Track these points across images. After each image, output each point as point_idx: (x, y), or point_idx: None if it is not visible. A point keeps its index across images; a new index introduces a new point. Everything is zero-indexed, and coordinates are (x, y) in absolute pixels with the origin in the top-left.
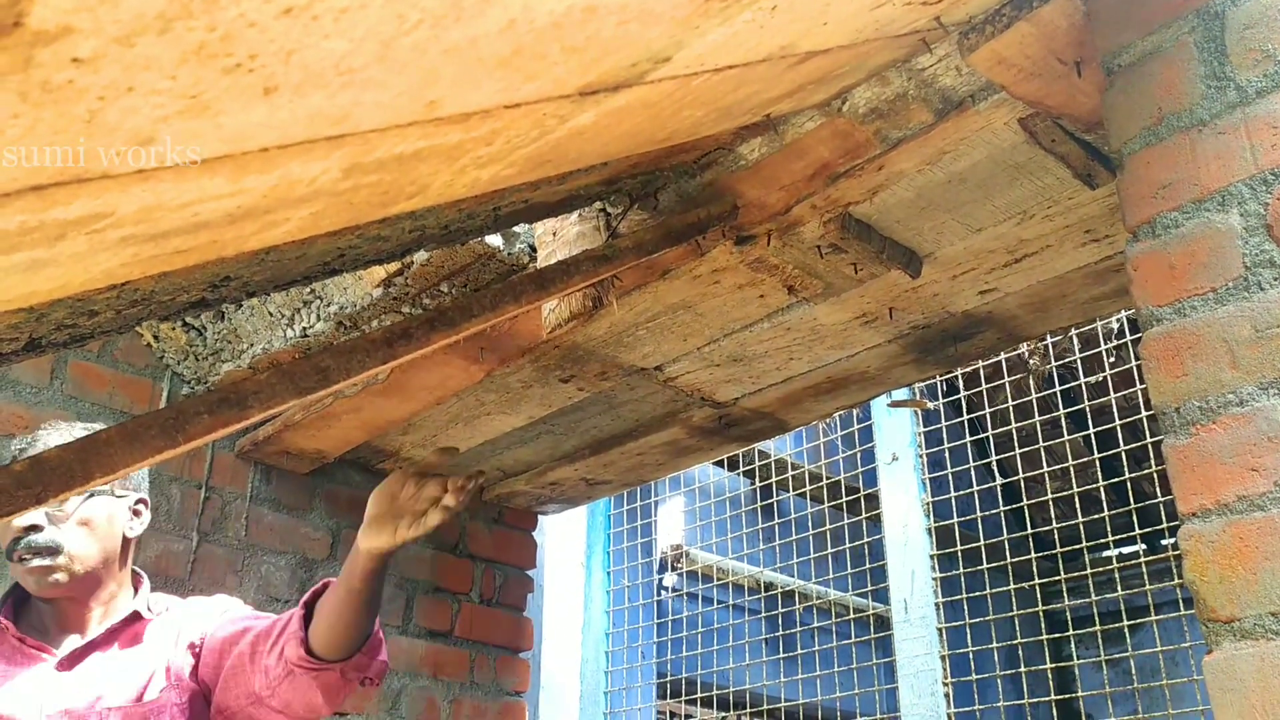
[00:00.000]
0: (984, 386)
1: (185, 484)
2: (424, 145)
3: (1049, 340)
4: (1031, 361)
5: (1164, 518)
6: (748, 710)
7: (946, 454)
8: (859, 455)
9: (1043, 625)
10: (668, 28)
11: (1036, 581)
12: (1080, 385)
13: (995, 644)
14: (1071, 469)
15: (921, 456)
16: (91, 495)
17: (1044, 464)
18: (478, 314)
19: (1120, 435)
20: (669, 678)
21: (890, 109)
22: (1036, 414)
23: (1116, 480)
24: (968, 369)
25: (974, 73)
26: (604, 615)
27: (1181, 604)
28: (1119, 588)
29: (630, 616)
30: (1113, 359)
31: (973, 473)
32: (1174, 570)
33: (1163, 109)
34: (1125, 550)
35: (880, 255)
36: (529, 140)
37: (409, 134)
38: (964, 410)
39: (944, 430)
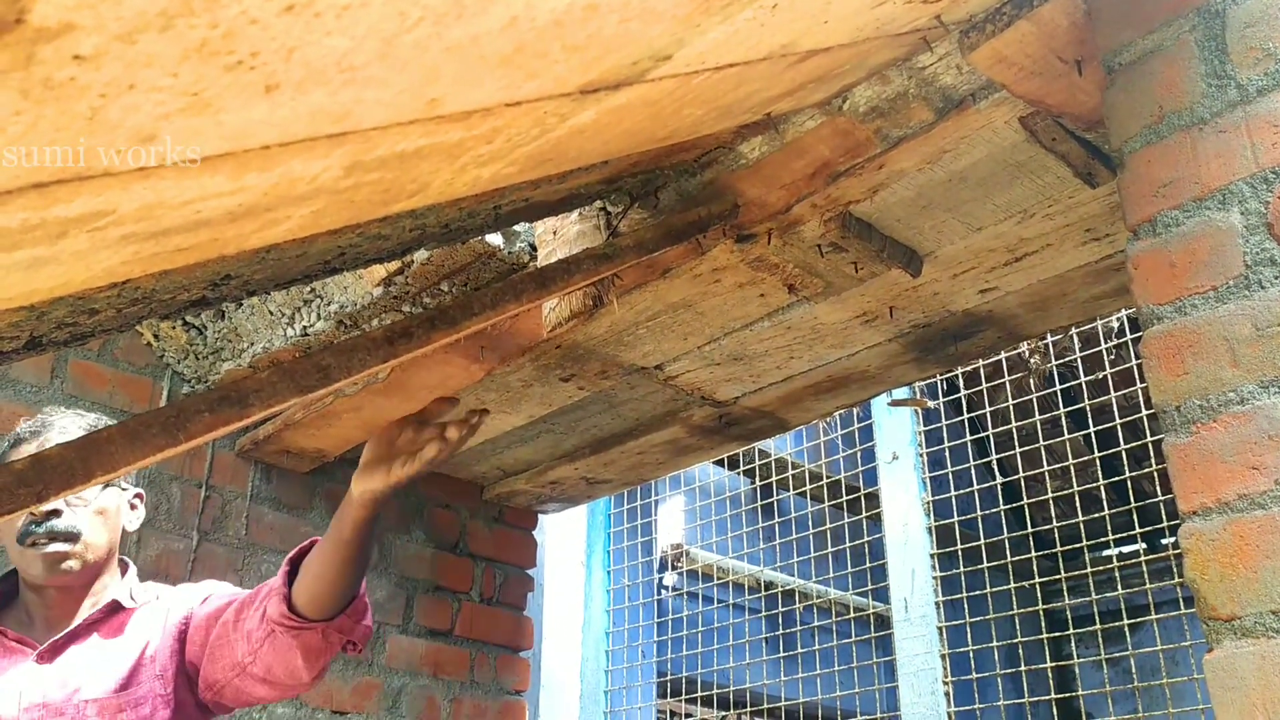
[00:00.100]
0: (984, 385)
1: (185, 483)
2: (425, 143)
3: (1049, 339)
4: (1032, 360)
5: (1164, 516)
6: (748, 709)
7: (947, 453)
8: (859, 454)
9: (1043, 624)
10: (669, 26)
11: (1037, 580)
12: (1080, 384)
13: (995, 643)
14: (1072, 468)
15: (922, 455)
16: (107, 486)
17: (1044, 463)
18: (478, 313)
19: (1120, 434)
20: (669, 677)
21: (891, 108)
22: (1037, 413)
23: (1117, 479)
24: (968, 368)
25: (974, 71)
26: (604, 614)
27: (1182, 603)
28: (1119, 586)
29: (630, 615)
30: (1113, 358)
31: (973, 471)
32: (1174, 569)
33: (1163, 107)
34: (1125, 549)
35: (881, 254)
36: (530, 138)
37: (410, 132)
38: (964, 409)
39: (944, 429)
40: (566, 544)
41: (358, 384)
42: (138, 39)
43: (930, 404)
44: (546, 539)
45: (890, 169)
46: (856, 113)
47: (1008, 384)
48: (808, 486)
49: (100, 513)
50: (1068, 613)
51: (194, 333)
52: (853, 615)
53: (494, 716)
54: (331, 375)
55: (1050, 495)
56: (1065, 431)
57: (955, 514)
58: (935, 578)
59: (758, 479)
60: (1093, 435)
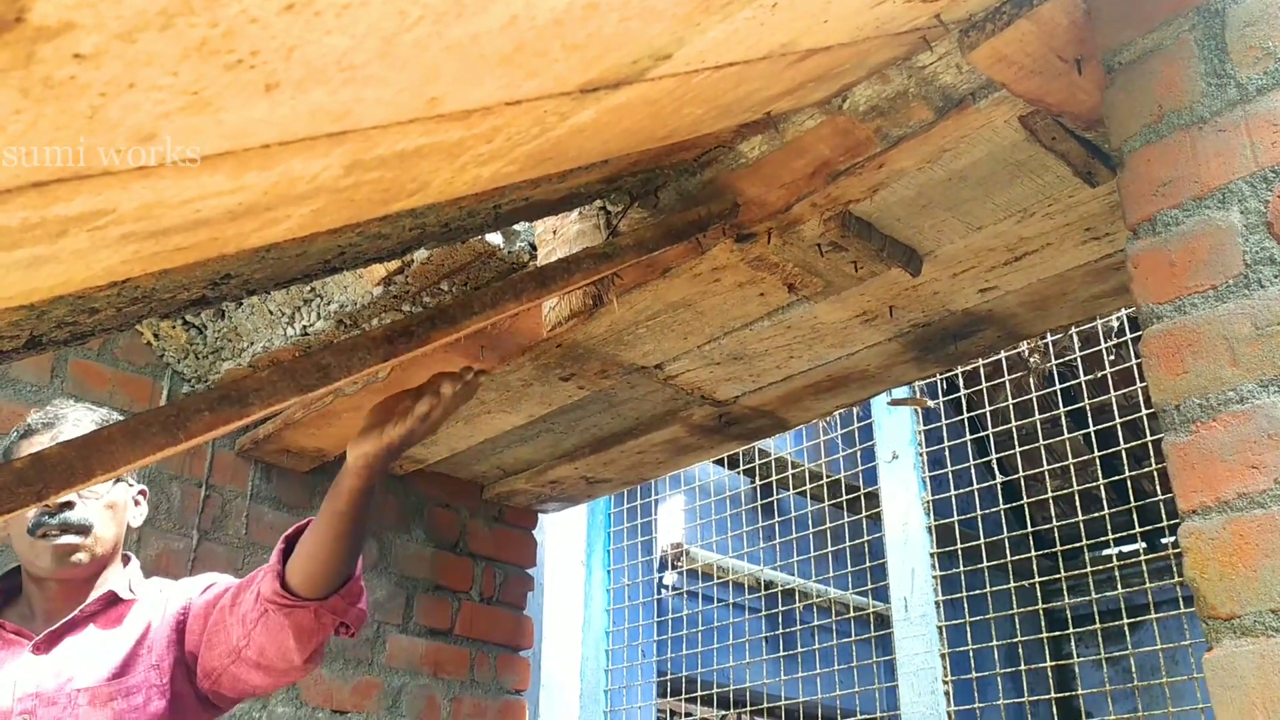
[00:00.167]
0: (984, 385)
1: (185, 482)
2: (425, 142)
3: (1049, 338)
4: (1031, 360)
5: (1164, 515)
6: (748, 708)
7: (946, 452)
8: (859, 453)
9: (1043, 623)
10: (669, 25)
11: (1036, 579)
12: (1080, 383)
13: (995, 642)
14: (1071, 467)
15: (921, 455)
16: (118, 481)
17: (1044, 462)
18: (478, 312)
19: (1120, 433)
20: (669, 676)
21: (891, 107)
22: (1036, 412)
23: (1116, 478)
24: (968, 367)
25: (974, 70)
26: (604, 613)
27: (1181, 602)
28: (1119, 586)
29: (630, 615)
30: (1113, 357)
31: (973, 471)
32: (1174, 568)
33: (1163, 106)
34: (1125, 548)
35: (880, 253)
36: (530, 138)
37: (410, 131)
38: (964, 408)
39: (944, 428)
40: (566, 543)
41: (358, 383)
42: (138, 38)
43: (930, 403)
44: (546, 538)
45: (890, 168)
46: (856, 112)
47: (1007, 383)
48: (807, 486)
49: (110, 507)
50: (1067, 612)
51: (194, 332)
52: (852, 614)
53: (494, 716)
54: (331, 374)
55: (1050, 494)
56: (1065, 431)
57: (955, 513)
58: (935, 577)
59: (757, 478)
60: (1092, 434)
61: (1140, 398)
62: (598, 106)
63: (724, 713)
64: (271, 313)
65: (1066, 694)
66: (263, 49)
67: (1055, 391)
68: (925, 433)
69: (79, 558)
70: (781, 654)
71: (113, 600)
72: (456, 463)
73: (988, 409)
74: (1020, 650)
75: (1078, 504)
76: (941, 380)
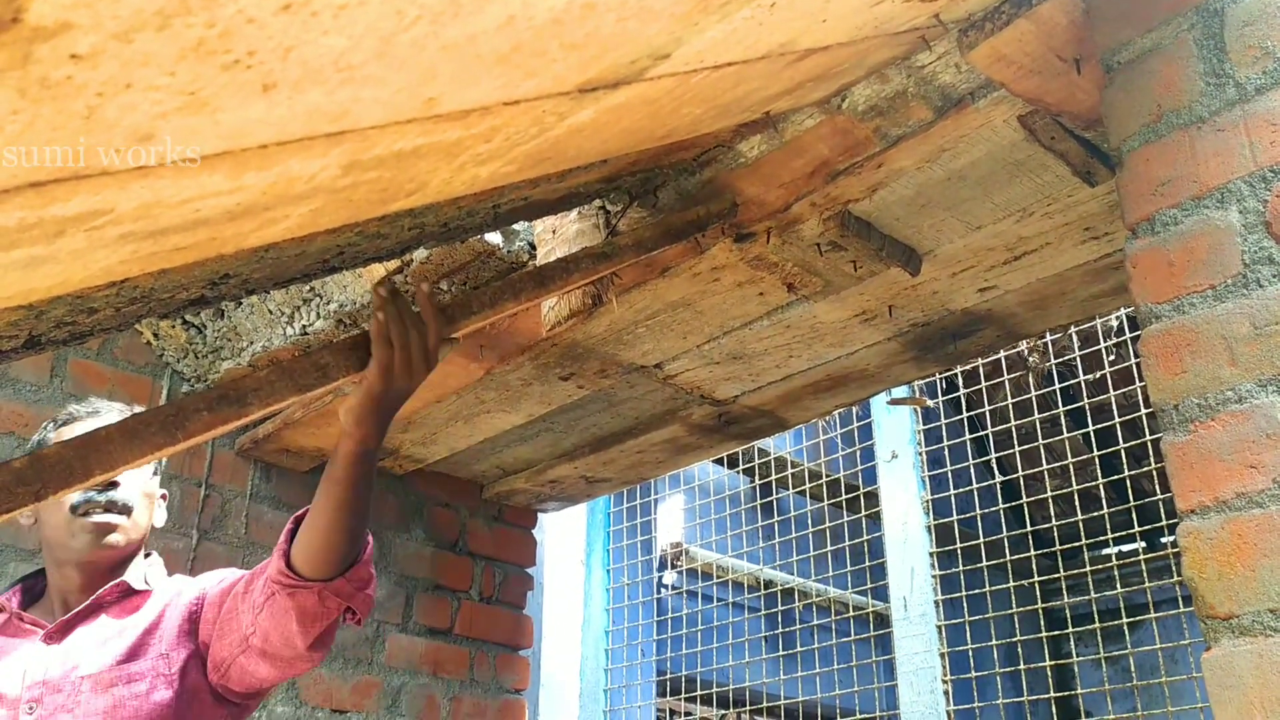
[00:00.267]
0: (983, 384)
1: (185, 482)
2: (423, 142)
3: (1048, 338)
4: (1031, 359)
5: (1163, 515)
6: (747, 708)
7: (946, 452)
8: (858, 453)
9: (1042, 623)
10: (667, 24)
11: (1036, 579)
12: (1079, 383)
13: (994, 641)
14: (1071, 467)
15: (921, 454)
16: (156, 472)
17: (1043, 462)
18: (477, 311)
19: (1119, 433)
20: (668, 675)
21: (890, 106)
22: (1036, 411)
23: (1116, 478)
24: (967, 366)
25: (973, 70)
26: (604, 613)
27: (1180, 601)
28: (1118, 585)
29: (630, 614)
30: (1112, 356)
31: (972, 470)
32: (1173, 568)
33: (1162, 106)
34: (1124, 548)
35: (880, 253)
36: (528, 137)
37: (408, 131)
38: (963, 408)
39: (943, 428)
40: (566, 543)
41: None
42: (134, 38)
43: (929, 403)
44: (546, 538)
45: (889, 168)
46: (855, 111)
47: (1007, 383)
48: (807, 485)
49: (148, 495)
50: (1067, 611)
51: (193, 331)
52: (852, 614)
53: (493, 715)
54: (330, 374)
55: (1049, 494)
56: (1064, 430)
57: (954, 512)
58: (934, 576)
59: (757, 478)
60: (1092, 434)
61: (1139, 397)
62: (596, 106)
63: (724, 712)
64: (271, 312)
65: (1066, 693)
66: (260, 49)
67: (1054, 391)
68: (924, 432)
69: (115, 538)
70: (781, 653)
71: (127, 591)
72: (456, 462)
73: (987, 408)
74: (1019, 649)
75: (1077, 503)
76: (941, 380)
